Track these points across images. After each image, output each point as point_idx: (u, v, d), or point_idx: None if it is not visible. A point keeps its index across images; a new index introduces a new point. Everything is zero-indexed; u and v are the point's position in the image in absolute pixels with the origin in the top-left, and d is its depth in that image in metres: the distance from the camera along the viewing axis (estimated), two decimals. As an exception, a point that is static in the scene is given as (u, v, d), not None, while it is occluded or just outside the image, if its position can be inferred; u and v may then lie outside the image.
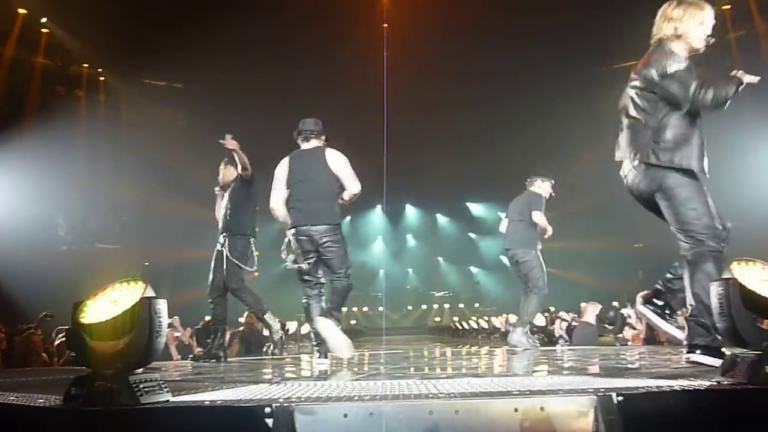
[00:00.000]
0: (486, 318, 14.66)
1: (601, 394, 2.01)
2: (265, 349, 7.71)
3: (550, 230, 7.79)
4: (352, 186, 5.12)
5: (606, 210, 18.66)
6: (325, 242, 4.88)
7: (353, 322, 22.69)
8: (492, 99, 18.78)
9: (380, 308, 22.90)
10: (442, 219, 27.05)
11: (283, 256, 4.95)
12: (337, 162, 5.11)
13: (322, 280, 5.07)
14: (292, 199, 5.05)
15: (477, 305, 23.09)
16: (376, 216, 26.86)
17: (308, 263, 4.92)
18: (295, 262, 4.94)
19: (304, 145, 5.35)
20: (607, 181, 18.43)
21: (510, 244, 7.76)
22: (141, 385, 2.14)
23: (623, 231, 18.98)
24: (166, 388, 2.25)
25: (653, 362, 3.68)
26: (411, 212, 27.02)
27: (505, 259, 24.26)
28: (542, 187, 7.99)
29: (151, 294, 2.23)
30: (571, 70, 18.15)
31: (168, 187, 17.13)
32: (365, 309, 23.43)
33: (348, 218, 26.15)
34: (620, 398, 1.97)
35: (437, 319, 23.42)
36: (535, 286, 7.40)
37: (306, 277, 5.03)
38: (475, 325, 14.94)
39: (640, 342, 8.15)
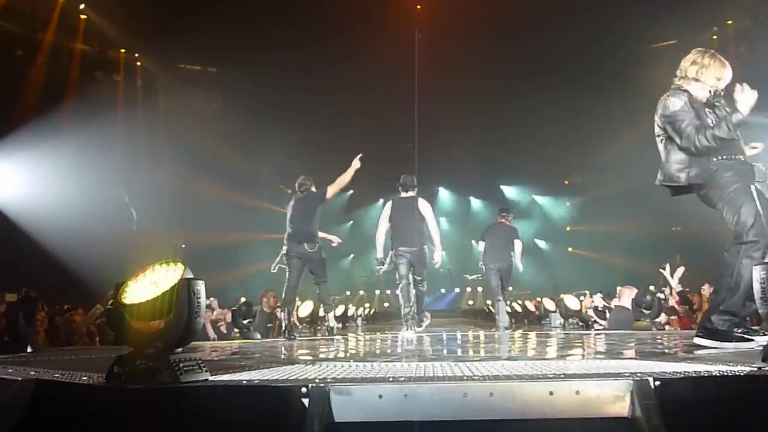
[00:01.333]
0: (519, 301, 14.59)
1: (638, 378, 1.98)
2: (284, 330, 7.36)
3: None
4: (432, 225, 7.52)
5: (643, 193, 18.30)
6: (414, 255, 7.34)
7: (386, 304, 22.81)
8: (527, 82, 18.53)
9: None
10: (475, 202, 26.90)
11: (385, 264, 7.52)
12: (425, 209, 7.56)
13: (407, 280, 7.34)
14: (395, 229, 7.50)
15: (510, 288, 22.99)
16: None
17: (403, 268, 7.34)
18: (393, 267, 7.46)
19: (403, 194, 7.85)
20: (644, 164, 18.18)
21: (499, 260, 9.92)
22: (181, 364, 2.19)
23: (661, 214, 18.59)
24: (204, 367, 2.29)
25: (691, 347, 3.63)
26: (444, 195, 26.90)
27: (539, 243, 24.10)
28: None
29: (189, 275, 2.26)
30: (607, 51, 17.83)
31: (203, 170, 17.37)
32: (398, 292, 23.59)
33: (380, 201, 26.28)
34: (657, 383, 1.94)
35: (470, 302, 23.36)
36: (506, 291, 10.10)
37: (400, 276, 7.36)
38: (509, 309, 14.85)
39: (678, 326, 8.05)
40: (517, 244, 9.96)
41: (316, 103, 18.84)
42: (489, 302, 19.59)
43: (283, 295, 7.61)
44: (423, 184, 24.37)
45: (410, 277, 7.34)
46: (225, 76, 19.93)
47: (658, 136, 4.02)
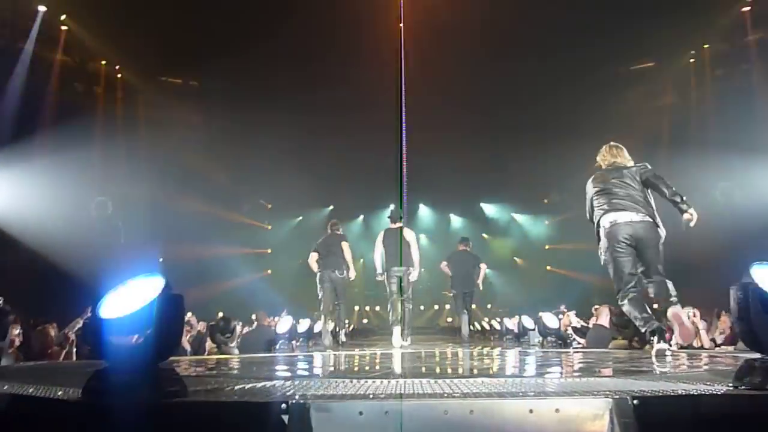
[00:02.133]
0: (498, 319, 14.62)
1: (617, 396, 1.99)
2: (277, 346, 8.29)
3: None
4: (414, 250, 9.35)
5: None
6: (401, 274, 9.10)
7: (365, 320, 22.74)
8: (508, 101, 18.71)
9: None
10: (455, 219, 27.02)
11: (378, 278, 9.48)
12: (410, 237, 9.37)
13: (397, 295, 9.14)
14: (387, 254, 9.31)
15: (489, 306, 23.02)
16: (387, 215, 26.95)
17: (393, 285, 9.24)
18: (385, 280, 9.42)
19: (392, 225, 9.75)
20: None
21: (468, 285, 11.88)
22: (159, 380, 2.16)
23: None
24: (184, 383, 2.27)
25: (669, 366, 3.66)
26: (424, 212, 26.99)
27: (518, 260, 24.20)
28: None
29: (169, 289, 2.25)
30: (587, 71, 18.08)
31: (182, 183, 17.28)
32: (377, 308, 23.46)
33: (361, 217, 26.29)
34: (636, 401, 1.96)
35: (449, 319, 23.37)
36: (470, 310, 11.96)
37: (391, 292, 9.32)
38: (487, 326, 14.88)
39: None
40: (482, 268, 12.07)
41: (297, 120, 18.85)
42: (450, 319, 19.58)
43: (322, 309, 9.61)
44: (404, 201, 24.25)
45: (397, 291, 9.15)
46: (207, 91, 19.88)
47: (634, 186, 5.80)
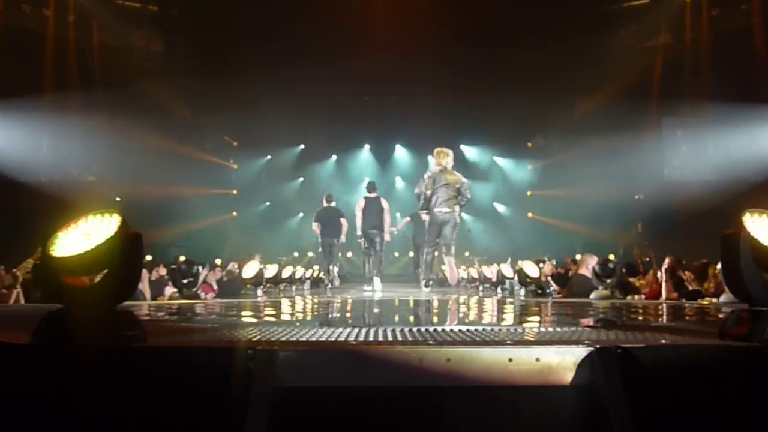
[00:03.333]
0: (476, 267, 14.79)
1: (600, 346, 2.02)
2: (243, 291, 8.39)
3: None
4: (387, 216, 12.22)
5: (605, 158, 18.67)
6: (377, 235, 12.01)
7: (336, 268, 22.87)
8: (491, 38, 18.50)
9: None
10: (433, 162, 27.10)
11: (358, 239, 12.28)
12: (386, 206, 12.22)
13: (373, 250, 12.20)
14: (365, 219, 11.99)
15: (467, 254, 23.25)
16: (363, 156, 26.74)
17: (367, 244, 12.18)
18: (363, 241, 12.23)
19: (368, 195, 12.34)
20: (608, 127, 18.53)
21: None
22: (116, 324, 2.15)
23: (624, 181, 19.03)
24: (144, 327, 2.26)
25: (653, 316, 3.73)
26: (401, 154, 26.88)
27: (498, 207, 24.44)
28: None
29: (126, 227, 2.20)
30: (577, 8, 17.95)
31: (140, 117, 16.94)
32: (349, 255, 23.58)
33: (334, 157, 26.15)
34: (619, 351, 1.98)
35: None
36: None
37: (368, 248, 12.29)
38: (464, 275, 15.05)
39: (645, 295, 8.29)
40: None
41: (267, 51, 18.45)
42: (444, 268, 19.86)
43: (321, 266, 13.52)
44: (380, 142, 24.51)
45: (376, 247, 12.14)
46: (168, 16, 19.33)
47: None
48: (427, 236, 10.35)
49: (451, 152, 10.75)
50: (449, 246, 10.19)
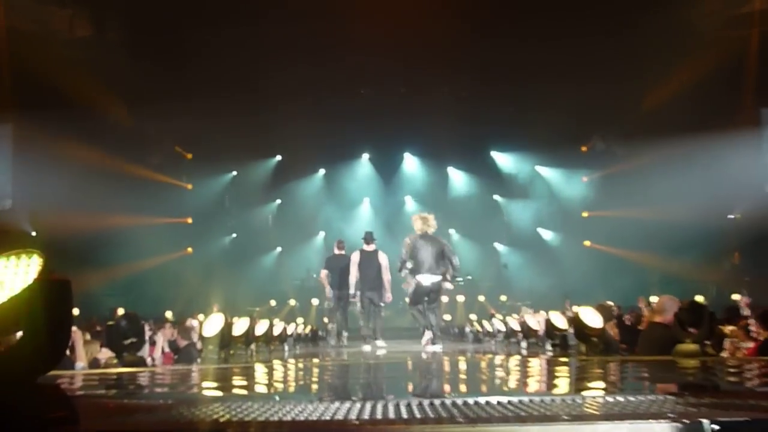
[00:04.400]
0: (500, 317, 14.88)
1: (687, 421, 2.02)
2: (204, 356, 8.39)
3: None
4: (386, 274, 13.58)
5: (687, 167, 18.58)
6: (375, 297, 13.55)
7: (327, 320, 22.80)
8: (531, 15, 18.45)
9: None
10: (455, 174, 27.04)
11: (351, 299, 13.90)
12: (384, 263, 13.55)
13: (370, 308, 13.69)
14: (361, 278, 13.56)
15: (504, 298, 23.20)
16: (362, 169, 26.80)
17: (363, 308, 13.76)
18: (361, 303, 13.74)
19: (366, 247, 13.80)
20: (687, 125, 18.55)
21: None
22: (38, 402, 2.15)
23: (712, 196, 18.88)
24: (72, 406, 2.26)
25: (757, 380, 3.72)
26: (411, 164, 26.98)
27: (544, 233, 24.52)
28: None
29: (50, 273, 2.22)
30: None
31: (63, 123, 16.93)
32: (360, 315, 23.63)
33: (322, 172, 26.24)
34: (713, 427, 1.98)
35: (447, 317, 23.55)
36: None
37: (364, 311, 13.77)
38: (500, 326, 15.05)
39: (744, 353, 8.25)
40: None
41: (229, 33, 18.48)
42: (473, 317, 19.82)
43: (340, 322, 14.68)
44: (382, 149, 24.70)
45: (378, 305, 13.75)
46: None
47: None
48: (414, 300, 12.30)
49: (432, 216, 12.57)
50: (435, 309, 12.50)
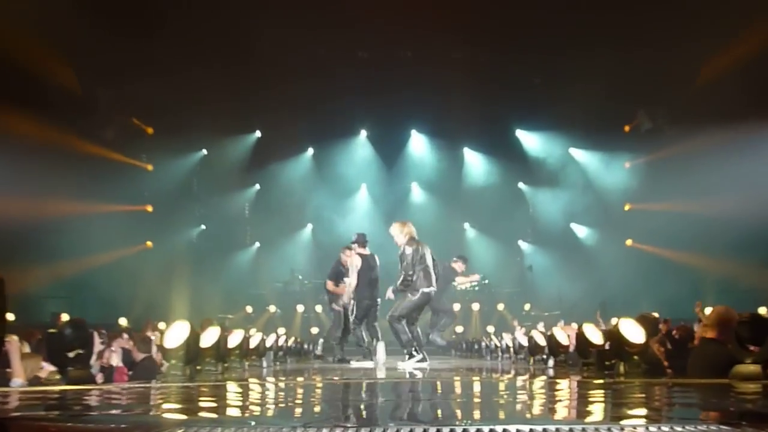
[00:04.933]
0: (523, 330, 15.00)
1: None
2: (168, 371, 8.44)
3: None
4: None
5: (749, 152, 18.56)
6: (373, 307, 14.82)
7: (315, 330, 22.83)
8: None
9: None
10: (472, 157, 27.01)
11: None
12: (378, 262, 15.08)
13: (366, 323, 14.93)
14: (360, 285, 14.47)
15: (527, 307, 23.24)
16: (359, 149, 26.77)
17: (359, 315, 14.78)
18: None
19: (361, 251, 14.82)
20: (749, 102, 18.52)
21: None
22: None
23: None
24: (10, 427, 2.29)
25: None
26: (418, 144, 26.95)
27: (578, 229, 24.66)
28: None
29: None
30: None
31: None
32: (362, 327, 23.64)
33: (310, 151, 26.23)
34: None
35: (459, 329, 23.60)
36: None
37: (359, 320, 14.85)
38: (509, 343, 15.13)
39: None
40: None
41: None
42: (491, 329, 19.89)
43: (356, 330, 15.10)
44: (384, 125, 24.87)
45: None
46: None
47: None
48: (409, 314, 12.84)
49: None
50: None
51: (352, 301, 14.76)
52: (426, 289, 12.59)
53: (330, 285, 15.91)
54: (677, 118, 21.62)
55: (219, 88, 20.75)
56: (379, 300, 14.86)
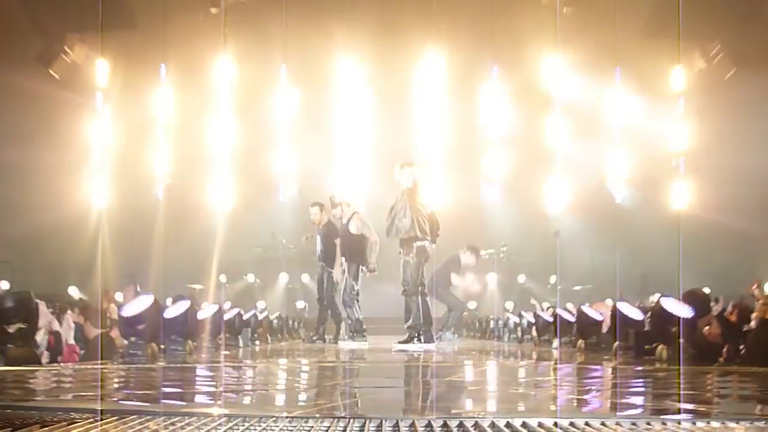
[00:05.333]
0: (548, 307, 15.05)
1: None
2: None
3: None
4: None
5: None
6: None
7: (303, 304, 22.84)
8: None
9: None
10: (489, 97, 26.90)
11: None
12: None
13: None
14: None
15: (553, 279, 23.22)
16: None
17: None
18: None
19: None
20: None
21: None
22: None
23: None
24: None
25: None
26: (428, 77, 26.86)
27: (614, 188, 24.73)
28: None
29: None
30: None
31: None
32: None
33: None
34: None
35: (472, 304, 23.59)
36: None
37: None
38: (531, 320, 15.19)
39: None
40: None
41: None
42: (509, 306, 19.95)
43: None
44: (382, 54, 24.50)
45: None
46: None
47: None
48: (414, 279, 13.24)
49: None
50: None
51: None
52: (426, 244, 13.04)
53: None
54: (744, 54, 21.42)
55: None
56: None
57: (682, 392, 4.88)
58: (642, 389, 5.10)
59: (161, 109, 23.94)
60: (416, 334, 13.08)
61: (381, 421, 2.73)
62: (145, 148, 24.08)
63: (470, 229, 18.43)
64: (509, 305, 19.89)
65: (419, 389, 5.39)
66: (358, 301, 15.44)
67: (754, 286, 14.41)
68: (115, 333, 10.05)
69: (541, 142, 24.74)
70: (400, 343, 13.17)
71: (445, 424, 2.64)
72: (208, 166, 24.90)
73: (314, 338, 16.31)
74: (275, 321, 16.64)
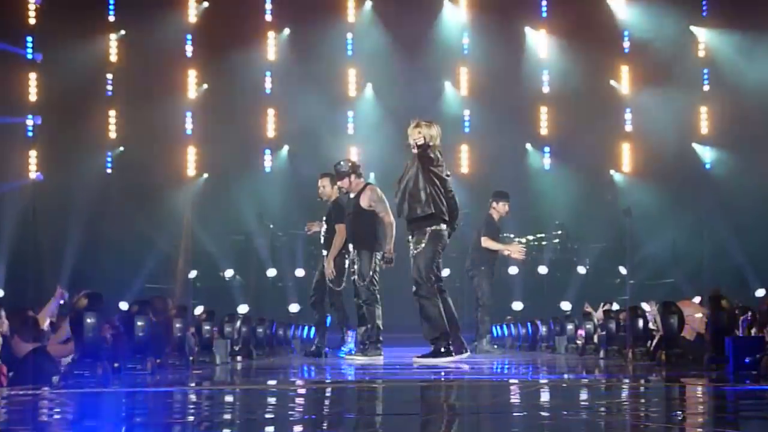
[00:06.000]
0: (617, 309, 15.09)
1: None
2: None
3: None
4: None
5: None
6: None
7: (296, 307, 22.90)
8: None
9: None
10: (537, 39, 26.89)
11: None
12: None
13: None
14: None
15: (624, 272, 23.25)
16: (362, 28, 26.76)
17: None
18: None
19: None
20: None
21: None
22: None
23: None
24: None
25: None
26: (454, 24, 26.87)
27: (703, 152, 24.91)
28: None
29: None
30: None
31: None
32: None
33: (286, 32, 26.12)
34: None
35: (517, 305, 23.63)
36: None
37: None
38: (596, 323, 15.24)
39: None
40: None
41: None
42: (567, 309, 19.95)
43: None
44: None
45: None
46: None
47: None
48: (427, 274, 12.93)
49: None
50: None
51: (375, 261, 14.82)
52: (441, 227, 12.86)
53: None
54: None
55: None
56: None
57: None
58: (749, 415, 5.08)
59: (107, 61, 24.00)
60: (446, 345, 12.71)
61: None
62: (89, 109, 24.11)
63: (514, 206, 18.27)
64: (566, 306, 19.86)
65: None
66: (377, 300, 14.76)
67: None
68: (55, 348, 10.00)
69: (605, 93, 24.73)
70: (421, 358, 12.92)
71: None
72: (171, 128, 24.83)
73: (312, 350, 16.00)
74: (260, 330, 16.58)
